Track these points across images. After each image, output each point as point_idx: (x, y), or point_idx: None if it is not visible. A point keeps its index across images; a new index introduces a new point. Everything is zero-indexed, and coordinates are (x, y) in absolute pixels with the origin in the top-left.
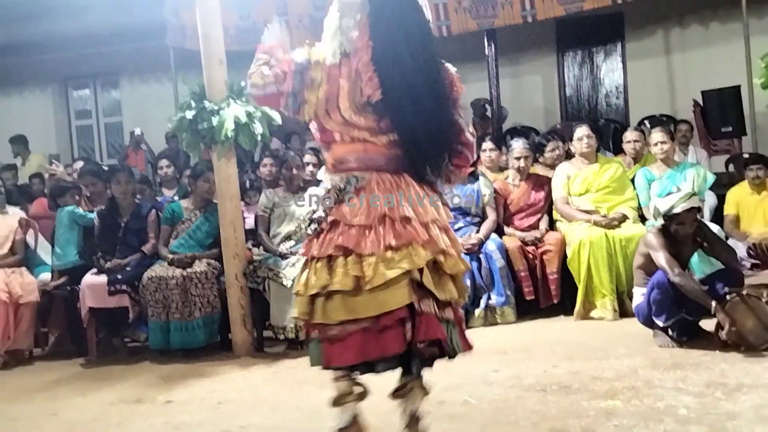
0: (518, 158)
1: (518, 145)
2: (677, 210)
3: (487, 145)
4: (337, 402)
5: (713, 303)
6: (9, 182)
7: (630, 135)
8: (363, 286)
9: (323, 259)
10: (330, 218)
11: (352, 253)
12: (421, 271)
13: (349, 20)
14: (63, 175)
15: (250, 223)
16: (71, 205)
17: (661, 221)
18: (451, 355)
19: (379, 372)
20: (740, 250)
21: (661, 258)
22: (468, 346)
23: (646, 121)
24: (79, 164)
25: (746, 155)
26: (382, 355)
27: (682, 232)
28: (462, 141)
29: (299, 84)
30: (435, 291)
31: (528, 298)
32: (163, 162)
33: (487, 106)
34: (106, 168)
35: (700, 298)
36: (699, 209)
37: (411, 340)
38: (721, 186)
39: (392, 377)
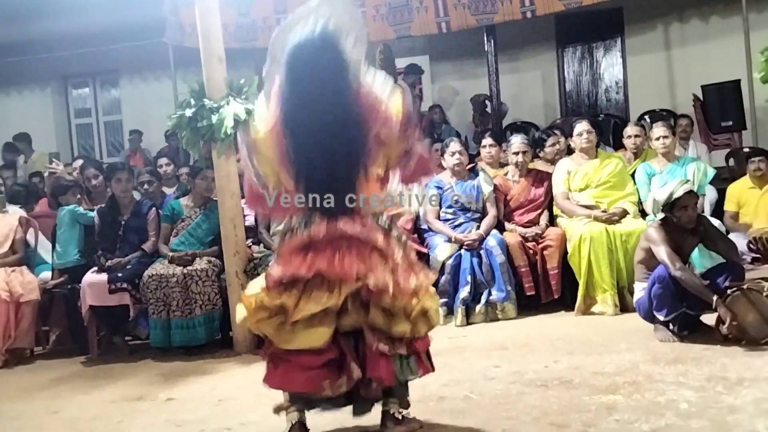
0: (516, 153)
1: (516, 140)
2: (678, 194)
3: (487, 141)
4: (277, 410)
5: (714, 297)
6: (10, 181)
7: (630, 130)
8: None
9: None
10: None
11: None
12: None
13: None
14: (63, 174)
15: (250, 220)
16: (72, 204)
17: (660, 215)
18: (399, 382)
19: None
20: (741, 244)
21: (662, 252)
22: (427, 369)
23: (646, 116)
24: (79, 162)
25: (746, 149)
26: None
27: (686, 218)
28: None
29: (252, 164)
30: (385, 328)
31: (528, 293)
32: (163, 160)
33: (486, 102)
34: (105, 166)
35: (701, 292)
36: (697, 195)
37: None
38: (722, 180)
39: None
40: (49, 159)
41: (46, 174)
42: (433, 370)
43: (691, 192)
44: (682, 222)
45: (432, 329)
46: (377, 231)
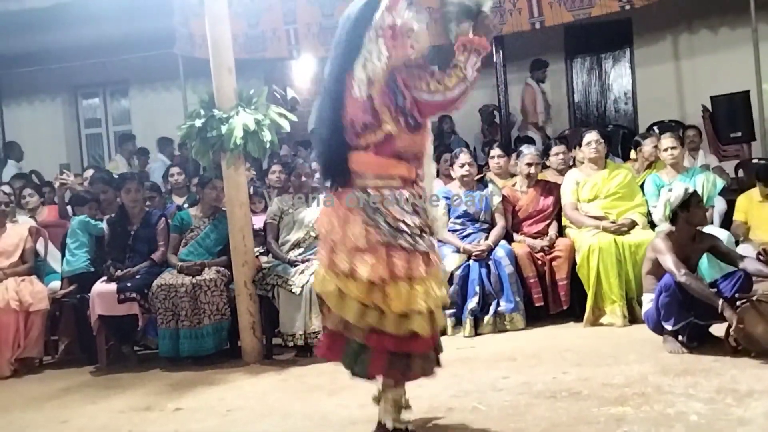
0: (530, 164)
1: (530, 152)
2: (692, 189)
3: (496, 152)
4: None
5: (720, 301)
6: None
7: (667, 141)
8: None
9: None
10: None
11: None
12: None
13: None
14: (74, 185)
15: (257, 224)
16: (85, 215)
17: (667, 226)
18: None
19: None
20: (750, 255)
21: (668, 260)
22: (378, 371)
23: (655, 127)
24: (90, 173)
25: (755, 160)
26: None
27: (702, 214)
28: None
29: None
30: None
31: (537, 304)
32: (174, 169)
33: (495, 112)
34: (116, 176)
35: (707, 297)
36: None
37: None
38: (731, 191)
39: None
40: (60, 170)
41: (57, 185)
42: (372, 377)
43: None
44: (699, 219)
45: (404, 329)
46: (343, 212)
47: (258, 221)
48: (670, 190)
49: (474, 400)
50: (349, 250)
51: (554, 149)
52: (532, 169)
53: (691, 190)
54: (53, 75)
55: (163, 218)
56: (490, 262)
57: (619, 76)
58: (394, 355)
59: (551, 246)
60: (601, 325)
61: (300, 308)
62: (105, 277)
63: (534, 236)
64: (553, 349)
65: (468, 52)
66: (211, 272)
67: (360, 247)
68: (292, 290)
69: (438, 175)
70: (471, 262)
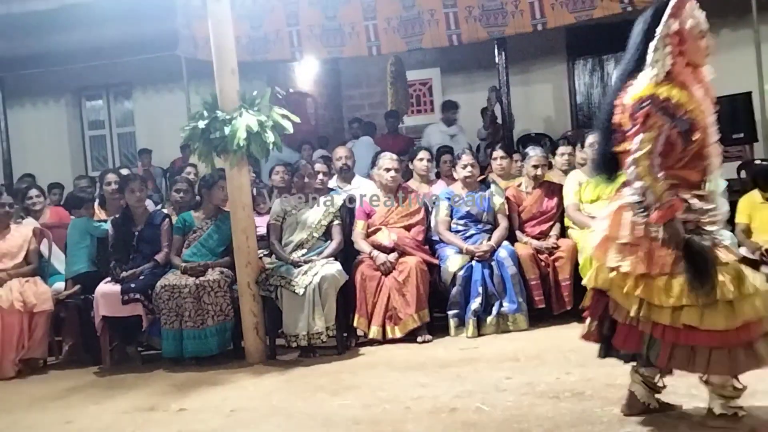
0: (536, 166)
1: (535, 153)
2: None
3: (498, 153)
4: None
5: None
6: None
7: None
8: None
9: None
10: None
11: None
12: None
13: None
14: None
15: (261, 230)
16: (85, 217)
17: None
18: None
19: None
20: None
21: None
22: (659, 366)
23: None
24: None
25: (757, 161)
26: None
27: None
28: None
29: None
30: None
31: (538, 306)
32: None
33: (496, 97)
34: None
35: None
36: None
37: None
38: (733, 192)
39: None
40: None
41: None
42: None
43: None
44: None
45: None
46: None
47: (262, 222)
48: None
49: (477, 401)
50: (619, 246)
51: (561, 149)
52: (539, 171)
53: None
54: (57, 77)
55: (167, 219)
56: (492, 263)
57: None
58: (676, 347)
59: (554, 247)
60: None
61: (303, 309)
62: (109, 278)
63: (537, 237)
64: (556, 349)
65: None
66: (215, 273)
67: (626, 242)
68: (295, 291)
69: (440, 177)
70: (474, 263)
